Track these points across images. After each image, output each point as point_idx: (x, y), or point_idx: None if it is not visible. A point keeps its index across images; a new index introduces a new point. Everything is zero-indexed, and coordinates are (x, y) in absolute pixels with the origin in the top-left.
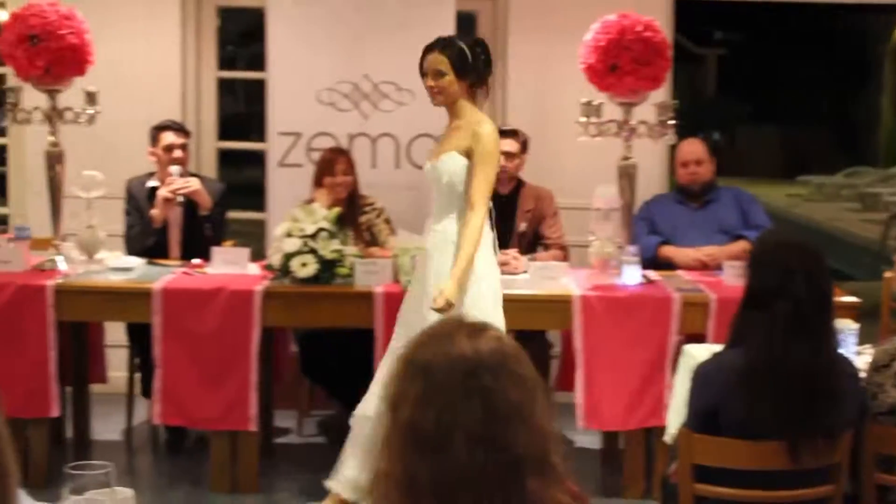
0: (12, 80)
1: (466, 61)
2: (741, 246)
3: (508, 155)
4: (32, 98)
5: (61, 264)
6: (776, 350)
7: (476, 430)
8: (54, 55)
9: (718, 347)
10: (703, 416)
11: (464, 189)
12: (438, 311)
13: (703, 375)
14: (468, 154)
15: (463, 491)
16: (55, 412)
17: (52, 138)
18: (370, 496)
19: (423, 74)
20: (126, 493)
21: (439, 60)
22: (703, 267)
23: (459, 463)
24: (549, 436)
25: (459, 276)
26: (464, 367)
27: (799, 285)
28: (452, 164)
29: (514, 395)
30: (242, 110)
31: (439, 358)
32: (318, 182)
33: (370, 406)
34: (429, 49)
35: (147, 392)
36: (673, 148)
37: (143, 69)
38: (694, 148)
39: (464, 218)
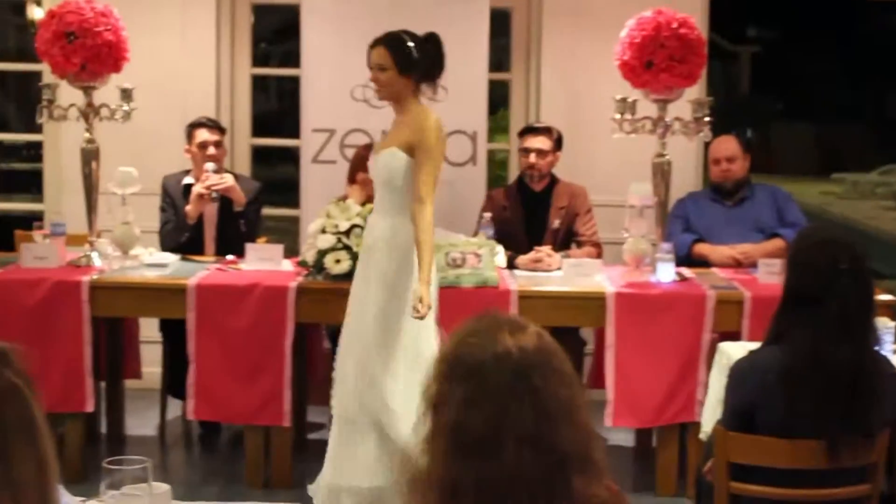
0: (49, 77)
1: (410, 57)
2: (776, 244)
3: (540, 152)
4: (68, 95)
5: (96, 260)
6: (822, 349)
7: (526, 432)
8: (90, 52)
9: (754, 345)
10: (739, 414)
11: (404, 184)
12: (421, 318)
13: (739, 373)
14: (410, 149)
15: (509, 493)
16: (90, 407)
17: (87, 135)
18: (405, 496)
19: (370, 68)
20: (162, 487)
21: (381, 55)
22: (738, 265)
23: (507, 465)
24: (591, 432)
25: (429, 277)
26: (512, 367)
27: (845, 284)
28: (392, 159)
29: (562, 393)
30: (274, 107)
31: (486, 358)
32: (351, 179)
33: (343, 408)
34: (374, 43)
35: (176, 391)
36: (707, 145)
37: (178, 66)
38: (727, 145)
39: (403, 214)
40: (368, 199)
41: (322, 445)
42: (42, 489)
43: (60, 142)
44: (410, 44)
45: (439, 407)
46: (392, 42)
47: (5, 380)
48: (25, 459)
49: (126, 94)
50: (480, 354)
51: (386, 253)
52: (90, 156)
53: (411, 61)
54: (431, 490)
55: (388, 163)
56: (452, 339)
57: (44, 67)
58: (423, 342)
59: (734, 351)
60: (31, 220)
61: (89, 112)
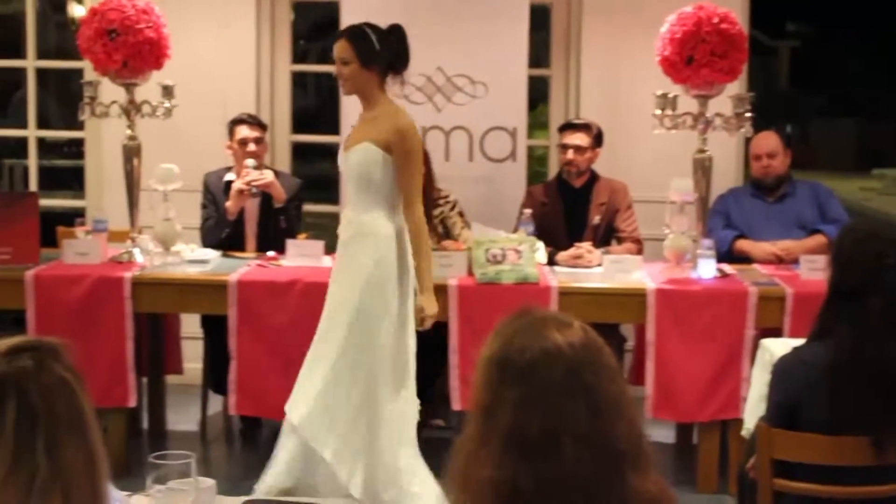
0: (90, 75)
1: (373, 50)
2: (818, 240)
3: (578, 149)
4: (110, 92)
5: (138, 256)
6: (867, 345)
7: (581, 430)
8: (132, 49)
9: (797, 342)
10: (782, 411)
11: (382, 179)
12: (428, 332)
13: (783, 370)
14: (388, 148)
15: (567, 492)
16: (132, 402)
17: (129, 132)
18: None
19: (334, 62)
20: (207, 482)
21: (343, 48)
22: (779, 261)
23: (566, 464)
24: (640, 426)
25: (430, 284)
26: (563, 365)
27: (891, 279)
28: (367, 154)
29: (612, 388)
30: (312, 104)
31: (536, 357)
32: None
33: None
34: (337, 36)
35: (217, 387)
36: (748, 141)
37: (218, 63)
38: (767, 141)
39: (381, 208)
40: None
41: None
42: (92, 482)
43: (102, 138)
44: (373, 36)
45: (491, 411)
46: (354, 35)
47: (55, 374)
48: (76, 453)
49: (167, 91)
50: (530, 354)
51: (364, 249)
52: (132, 152)
53: (374, 54)
54: (487, 494)
55: (362, 159)
56: (496, 341)
57: (85, 65)
58: (406, 341)
59: (777, 347)
60: (73, 217)
61: (131, 109)
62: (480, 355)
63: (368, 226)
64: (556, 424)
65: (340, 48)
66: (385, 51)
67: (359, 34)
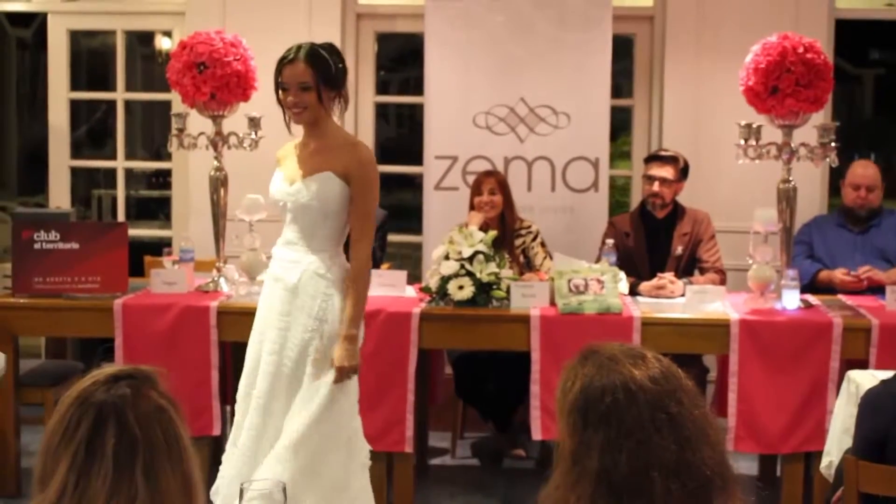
0: (179, 107)
1: (331, 72)
2: None
3: (664, 181)
4: (198, 124)
5: (224, 286)
6: None
7: (670, 463)
8: (220, 81)
9: (884, 373)
10: (870, 444)
11: (337, 216)
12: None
13: (871, 402)
14: (346, 179)
15: None
16: (217, 430)
17: (216, 163)
18: None
19: (284, 89)
20: None
21: (304, 72)
22: (858, 282)
23: (656, 500)
24: (724, 448)
25: (354, 333)
26: (646, 400)
27: None
28: (326, 185)
29: (696, 413)
30: (393, 134)
31: (619, 398)
32: (472, 204)
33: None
34: (290, 59)
35: None
36: (833, 170)
37: None
38: (869, 172)
39: (335, 250)
40: (486, 224)
41: (444, 471)
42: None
43: (189, 169)
44: (329, 58)
45: (578, 456)
46: (313, 57)
47: (152, 401)
48: (173, 478)
49: (254, 123)
50: (611, 396)
51: (319, 290)
52: (218, 183)
53: (332, 77)
54: None
55: (322, 189)
56: (571, 387)
57: (174, 96)
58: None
59: (863, 379)
60: (160, 246)
61: (218, 140)
62: (558, 402)
63: (318, 267)
64: (645, 461)
65: (300, 72)
66: (341, 72)
67: (317, 56)
